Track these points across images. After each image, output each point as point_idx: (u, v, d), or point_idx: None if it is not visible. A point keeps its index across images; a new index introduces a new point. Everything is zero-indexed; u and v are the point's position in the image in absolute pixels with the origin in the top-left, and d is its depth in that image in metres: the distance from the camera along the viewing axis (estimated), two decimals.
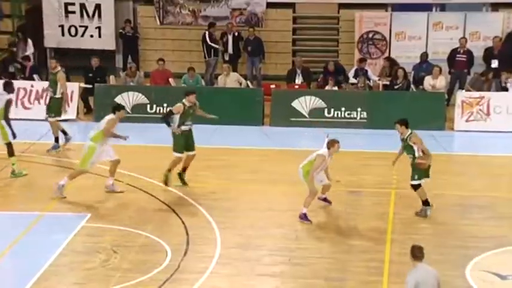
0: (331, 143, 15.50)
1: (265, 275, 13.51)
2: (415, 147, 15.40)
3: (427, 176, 15.56)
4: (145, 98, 21.78)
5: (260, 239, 14.69)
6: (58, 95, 19.32)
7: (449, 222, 15.66)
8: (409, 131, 15.52)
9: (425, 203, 15.61)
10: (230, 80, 22.45)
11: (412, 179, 15.53)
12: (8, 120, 17.58)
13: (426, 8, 24.26)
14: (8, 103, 17.72)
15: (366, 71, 22.84)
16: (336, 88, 22.53)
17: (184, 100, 16.61)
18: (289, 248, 14.39)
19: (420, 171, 15.43)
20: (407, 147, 15.56)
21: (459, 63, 22.99)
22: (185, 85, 22.33)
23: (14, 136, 17.66)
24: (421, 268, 10.18)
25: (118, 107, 16.91)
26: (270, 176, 17.89)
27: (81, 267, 13.73)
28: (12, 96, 18.38)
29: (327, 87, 22.49)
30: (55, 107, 19.36)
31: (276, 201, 16.55)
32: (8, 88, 17.97)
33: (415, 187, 15.56)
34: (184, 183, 17.08)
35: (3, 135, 17.57)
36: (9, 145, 17.58)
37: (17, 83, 20.72)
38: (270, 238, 14.78)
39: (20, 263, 14.04)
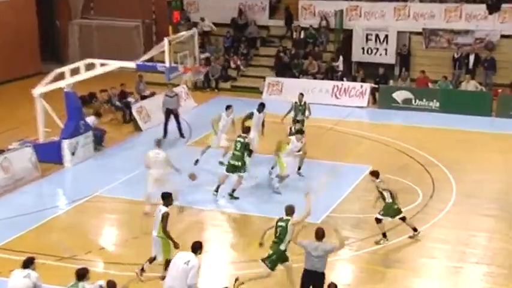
0: None
1: (484, 215, 13.30)
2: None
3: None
4: (411, 94, 21.55)
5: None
6: None
7: None
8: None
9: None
10: (470, 85, 21.57)
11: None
12: None
13: None
14: None
15: None
16: None
17: None
18: (503, 199, 13.85)
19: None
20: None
21: None
22: (439, 87, 21.75)
23: None
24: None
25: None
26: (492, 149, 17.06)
27: (363, 199, 13.96)
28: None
29: None
30: None
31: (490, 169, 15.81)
32: None
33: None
34: None
35: None
36: None
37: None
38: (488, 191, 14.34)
39: (328, 195, 14.04)
